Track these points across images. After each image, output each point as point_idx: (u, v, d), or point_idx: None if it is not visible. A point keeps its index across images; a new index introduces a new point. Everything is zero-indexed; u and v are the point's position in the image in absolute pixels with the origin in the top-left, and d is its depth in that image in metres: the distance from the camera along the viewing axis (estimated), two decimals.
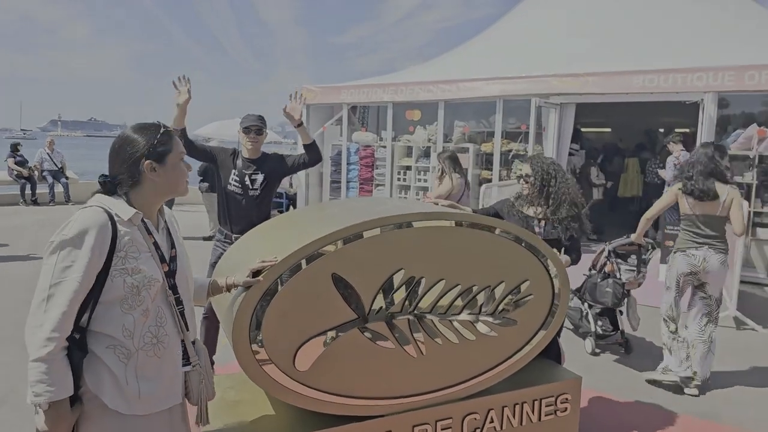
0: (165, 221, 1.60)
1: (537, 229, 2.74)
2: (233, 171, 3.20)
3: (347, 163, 9.58)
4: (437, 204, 3.42)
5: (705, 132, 6.09)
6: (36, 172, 11.15)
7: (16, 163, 10.89)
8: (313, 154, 3.28)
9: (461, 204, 4.87)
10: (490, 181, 7.90)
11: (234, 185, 3.19)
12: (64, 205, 11.09)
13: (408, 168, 9.00)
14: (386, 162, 9.09)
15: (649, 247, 4.11)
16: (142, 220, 1.48)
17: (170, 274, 1.52)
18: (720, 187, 3.33)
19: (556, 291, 2.24)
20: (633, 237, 3.91)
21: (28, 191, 10.95)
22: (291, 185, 10.56)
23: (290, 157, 3.35)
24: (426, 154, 8.78)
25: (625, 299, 4.01)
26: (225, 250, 3.06)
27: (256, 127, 3.22)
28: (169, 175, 1.50)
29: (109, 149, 1.50)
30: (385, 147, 9.11)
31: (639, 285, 3.97)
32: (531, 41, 8.92)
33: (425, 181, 8.68)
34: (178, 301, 1.53)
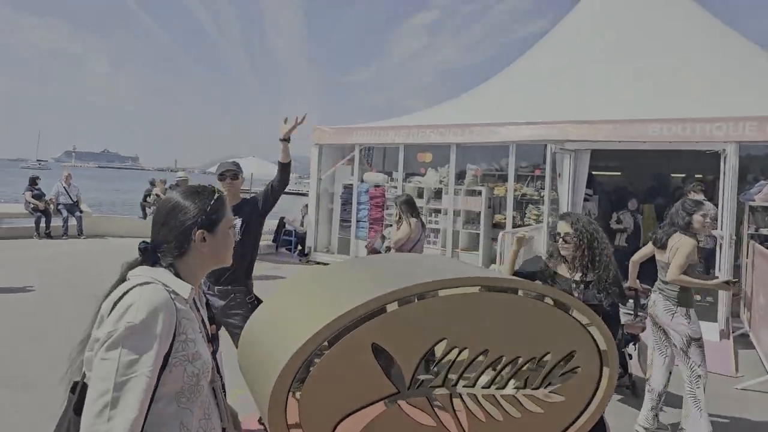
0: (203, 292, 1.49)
1: (576, 294, 2.57)
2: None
3: (357, 203, 9.64)
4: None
5: (728, 182, 6.08)
6: (52, 206, 11.28)
7: (33, 197, 11.04)
8: (284, 175, 3.30)
9: (417, 248, 4.81)
10: (502, 226, 7.89)
11: None
12: (76, 238, 11.17)
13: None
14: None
15: (649, 293, 4.08)
16: None
17: (213, 355, 1.37)
18: (675, 237, 3.46)
19: (605, 363, 2.17)
20: (628, 282, 3.92)
21: (42, 224, 11.06)
22: (302, 224, 10.61)
23: (260, 193, 3.38)
24: (437, 195, 8.82)
25: (636, 344, 3.99)
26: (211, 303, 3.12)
27: (231, 173, 3.23)
28: (218, 245, 1.39)
29: (155, 215, 1.41)
30: (396, 187, 9.17)
31: (642, 330, 3.92)
32: (543, 85, 9.08)
33: (436, 222, 8.68)
34: (223, 387, 1.41)
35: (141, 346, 1.12)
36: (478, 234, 8.24)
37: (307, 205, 10.51)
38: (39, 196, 11.15)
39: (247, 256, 3.17)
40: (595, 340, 2.05)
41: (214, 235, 1.37)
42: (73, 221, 11.40)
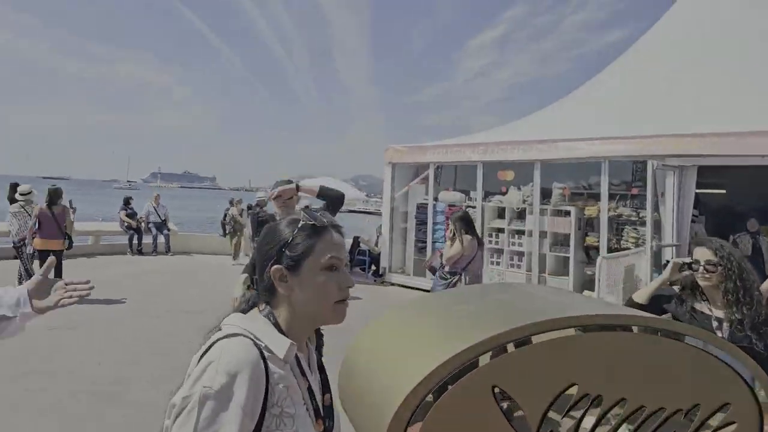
0: (314, 351, 1.18)
1: (719, 334, 2.21)
2: None
3: (433, 223, 9.38)
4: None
5: None
6: (143, 224, 11.96)
7: (127, 215, 11.77)
8: (329, 199, 3.10)
9: (473, 267, 4.65)
10: (595, 248, 7.32)
11: None
12: (164, 255, 11.74)
13: (500, 230, 8.63)
14: (476, 223, 8.78)
15: None
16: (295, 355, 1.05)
17: None
18: None
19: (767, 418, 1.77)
20: None
21: (135, 241, 11.73)
22: (376, 243, 10.50)
23: None
24: (520, 216, 8.37)
25: None
26: None
27: (291, 193, 3.15)
28: (306, 291, 1.05)
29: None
30: (474, 207, 8.84)
31: None
32: (633, 97, 8.44)
33: (520, 245, 8.23)
34: None
35: (218, 419, 0.89)
36: (567, 257, 7.70)
37: (381, 225, 10.41)
38: (132, 215, 11.87)
39: None
40: (752, 390, 1.67)
41: (298, 276, 1.06)
42: (161, 239, 12.02)
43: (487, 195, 8.83)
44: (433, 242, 9.41)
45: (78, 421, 3.62)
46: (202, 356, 0.98)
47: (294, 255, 1.06)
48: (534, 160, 7.87)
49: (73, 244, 7.59)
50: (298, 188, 3.09)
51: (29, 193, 7.60)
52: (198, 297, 7.66)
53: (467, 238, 4.58)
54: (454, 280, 4.63)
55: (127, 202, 12.04)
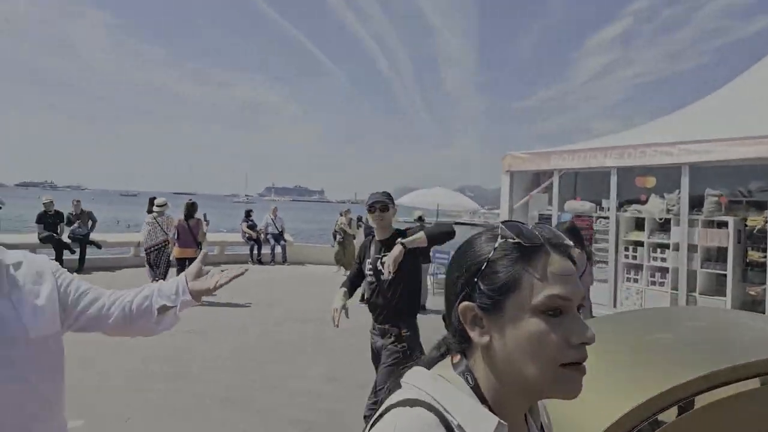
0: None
1: None
2: (367, 260, 3.08)
3: None
4: None
5: None
6: (262, 235, 12.56)
7: (248, 227, 12.43)
8: (439, 239, 3.02)
9: (583, 280, 4.16)
10: (761, 264, 6.19)
11: (369, 274, 3.04)
12: (281, 265, 12.20)
13: (638, 244, 7.70)
14: (609, 236, 7.93)
15: None
16: None
17: None
18: None
19: None
20: None
21: (255, 251, 12.34)
22: None
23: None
24: (663, 227, 7.40)
25: None
26: (374, 341, 3.01)
27: (380, 204, 3.01)
28: (510, 343, 0.70)
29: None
30: (607, 218, 7.99)
31: None
32: None
33: (663, 260, 7.26)
34: None
35: None
36: (724, 275, 6.62)
37: None
38: (252, 227, 12.51)
39: (401, 294, 2.93)
40: None
41: (499, 319, 0.71)
42: (278, 249, 12.52)
43: (621, 204, 7.95)
44: None
45: (206, 426, 3.64)
46: (372, 426, 0.71)
47: (491, 288, 0.71)
48: (681, 164, 6.89)
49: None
50: (404, 247, 2.81)
51: (164, 205, 8.36)
52: (313, 306, 7.72)
53: (575, 251, 4.05)
54: None
55: (248, 214, 12.72)
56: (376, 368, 3.02)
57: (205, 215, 9.18)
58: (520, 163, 9.14)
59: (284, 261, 12.45)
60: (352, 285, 3.13)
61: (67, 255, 9.79)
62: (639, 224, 7.82)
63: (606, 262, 8.10)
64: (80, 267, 9.89)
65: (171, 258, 8.13)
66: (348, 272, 10.62)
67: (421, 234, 2.81)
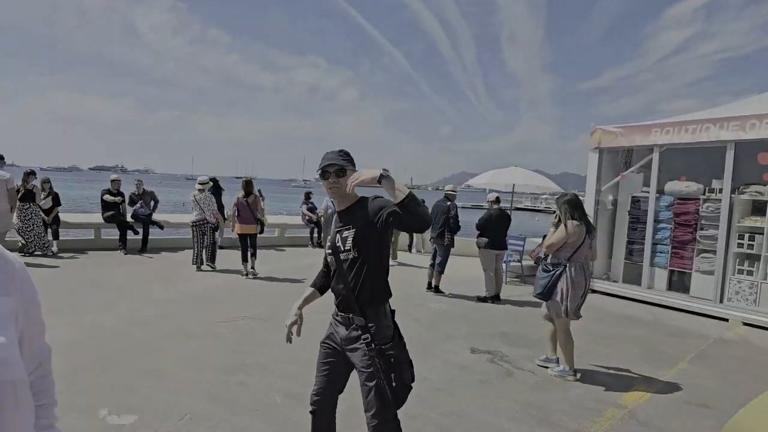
0: None
1: None
2: (328, 236, 2.39)
3: (654, 221, 7.59)
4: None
5: None
6: (322, 218, 12.13)
7: (308, 210, 12.03)
8: (410, 219, 2.04)
9: (579, 256, 4.14)
10: None
11: (327, 252, 2.36)
12: None
13: (758, 231, 6.56)
14: (719, 221, 6.82)
15: None
16: None
17: None
18: None
19: None
20: None
21: (314, 234, 11.94)
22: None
23: (388, 206, 2.12)
24: None
25: None
26: (335, 330, 2.35)
27: (336, 168, 2.23)
28: None
29: None
30: (718, 201, 6.87)
31: None
32: None
33: None
34: None
35: None
36: None
37: None
38: (312, 209, 12.09)
39: (365, 278, 2.22)
40: None
41: None
42: None
43: (737, 185, 6.80)
44: (655, 244, 7.64)
45: (276, 426, 3.10)
46: None
47: None
48: None
49: (263, 232, 8.61)
50: (382, 177, 2.03)
51: (205, 183, 8.56)
52: (398, 293, 7.15)
53: (573, 223, 4.11)
54: (557, 272, 4.18)
55: (307, 197, 12.32)
56: (328, 356, 2.37)
57: (260, 191, 9.30)
58: (611, 139, 8.10)
59: None
60: (323, 282, 2.46)
61: (130, 235, 9.73)
62: (758, 208, 6.68)
63: (712, 252, 7.01)
64: (143, 247, 9.81)
65: (216, 237, 8.67)
66: (395, 262, 10.04)
67: (407, 189, 2.01)
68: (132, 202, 10.07)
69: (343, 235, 2.23)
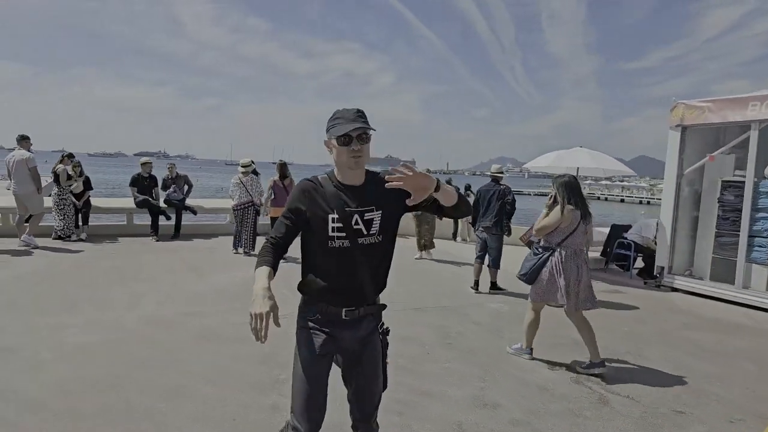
0: None
1: None
2: (331, 215, 1.84)
3: (753, 209, 6.49)
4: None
5: None
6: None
7: None
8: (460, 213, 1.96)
9: (572, 242, 3.93)
10: None
11: (338, 236, 1.84)
12: None
13: None
14: None
15: None
16: None
17: None
18: None
19: None
20: None
21: None
22: (654, 240, 7.91)
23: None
24: None
25: None
26: (337, 337, 1.89)
27: (360, 131, 1.80)
28: None
29: None
30: None
31: None
32: None
33: None
34: None
35: None
36: None
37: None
38: None
39: (384, 265, 1.96)
40: None
41: None
42: None
43: None
44: (751, 237, 6.53)
45: None
46: None
47: None
48: None
49: None
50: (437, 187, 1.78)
51: (248, 166, 8.30)
52: (430, 292, 6.36)
53: (568, 208, 3.92)
54: (545, 256, 3.99)
55: None
56: (328, 368, 1.96)
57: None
58: (697, 116, 6.98)
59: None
60: (276, 256, 1.86)
61: (162, 221, 9.28)
62: None
63: None
64: (176, 233, 9.34)
65: (259, 217, 8.32)
66: (424, 253, 8.62)
67: (451, 188, 1.82)
68: (165, 187, 9.63)
69: (366, 217, 1.86)
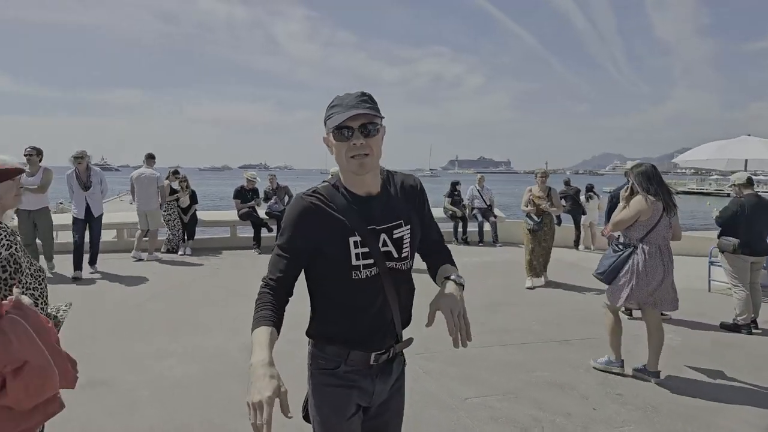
0: None
1: None
2: (352, 238, 1.39)
3: None
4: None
5: None
6: (467, 210, 10.50)
7: (452, 203, 10.46)
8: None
9: (654, 237, 3.58)
10: None
11: (363, 264, 1.40)
12: (491, 246, 9.99)
13: None
14: None
15: None
16: None
17: None
18: None
19: None
20: None
21: (459, 229, 10.36)
22: None
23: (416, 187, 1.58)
24: None
25: None
26: (362, 387, 1.48)
27: (364, 120, 1.36)
28: None
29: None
30: None
31: None
32: None
33: None
34: None
35: None
36: None
37: None
38: (457, 203, 10.49)
39: (410, 293, 1.56)
40: None
41: None
42: (487, 227, 10.34)
43: None
44: None
45: None
46: None
47: None
48: None
49: None
50: None
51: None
52: (555, 315, 5.30)
53: (650, 199, 3.54)
54: (625, 254, 3.62)
55: (453, 187, 10.67)
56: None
57: None
58: None
59: (495, 241, 10.22)
60: (278, 306, 1.40)
61: (264, 233, 9.10)
62: None
63: None
64: None
65: None
66: (536, 279, 6.64)
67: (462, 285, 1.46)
68: (266, 198, 9.49)
69: (396, 235, 1.45)
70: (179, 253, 8.55)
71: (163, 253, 8.56)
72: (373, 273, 1.42)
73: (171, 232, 8.72)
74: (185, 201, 8.79)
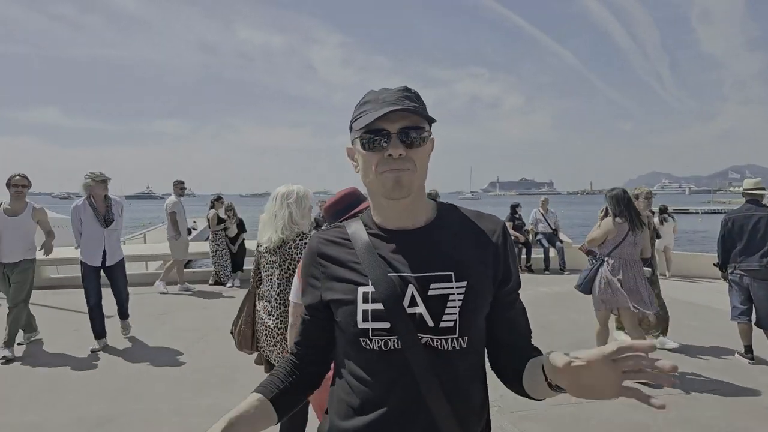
0: None
1: None
2: (362, 288, 0.97)
3: None
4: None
5: None
6: (531, 236, 9.70)
7: (514, 228, 9.69)
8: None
9: (620, 252, 3.98)
10: None
11: (376, 328, 0.94)
12: (559, 274, 9.12)
13: None
14: None
15: None
16: None
17: None
18: None
19: None
20: None
21: (523, 256, 9.55)
22: None
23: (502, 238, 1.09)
24: None
25: None
26: None
27: (407, 124, 0.94)
28: None
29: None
30: None
31: None
32: None
33: None
34: None
35: None
36: None
37: None
38: (519, 227, 9.71)
39: (475, 389, 1.05)
40: None
41: None
42: (552, 253, 9.49)
43: None
44: None
45: None
46: None
47: None
48: None
49: None
50: None
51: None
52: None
53: (617, 220, 4.04)
54: (595, 267, 4.15)
55: (513, 210, 9.91)
56: None
57: None
58: None
59: (562, 268, 9.35)
60: (292, 377, 1.09)
61: None
62: None
63: None
64: None
65: None
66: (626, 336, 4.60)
67: None
68: (317, 226, 9.01)
69: (434, 291, 0.94)
70: (227, 285, 8.14)
71: (210, 285, 8.18)
72: (393, 345, 0.93)
73: (215, 265, 8.31)
74: (233, 230, 8.43)
